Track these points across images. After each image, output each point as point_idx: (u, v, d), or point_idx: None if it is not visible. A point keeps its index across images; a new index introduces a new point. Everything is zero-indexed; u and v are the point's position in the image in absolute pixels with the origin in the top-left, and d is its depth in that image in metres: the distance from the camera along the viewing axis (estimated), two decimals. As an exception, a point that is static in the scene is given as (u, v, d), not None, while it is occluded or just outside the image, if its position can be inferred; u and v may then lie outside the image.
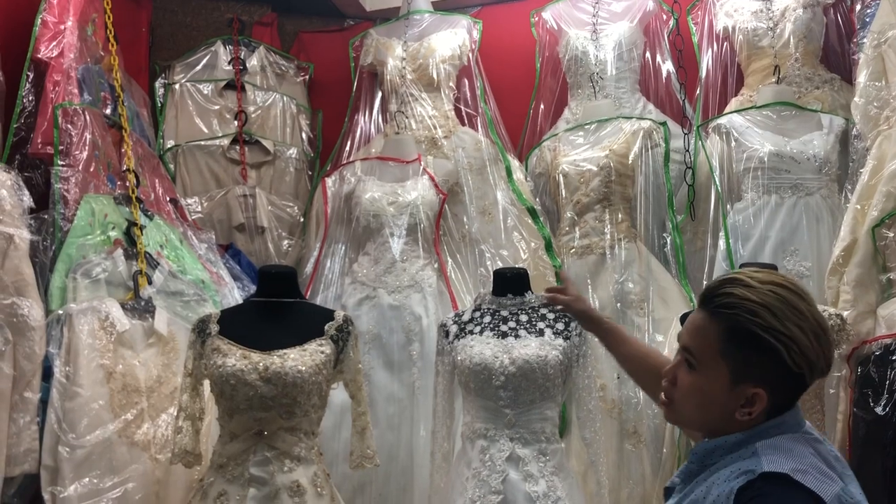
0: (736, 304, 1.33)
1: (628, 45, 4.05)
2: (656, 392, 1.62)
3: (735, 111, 3.63)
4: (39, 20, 3.09)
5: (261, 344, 2.45)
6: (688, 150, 3.68)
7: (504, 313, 2.68)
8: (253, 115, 4.25)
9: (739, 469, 1.30)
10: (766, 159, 3.37)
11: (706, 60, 3.97)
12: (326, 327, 2.54)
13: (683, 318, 2.88)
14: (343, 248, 3.80)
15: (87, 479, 2.50)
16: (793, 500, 1.24)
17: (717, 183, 3.51)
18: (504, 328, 2.63)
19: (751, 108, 3.57)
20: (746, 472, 1.28)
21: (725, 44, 3.98)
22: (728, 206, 3.46)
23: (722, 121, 3.57)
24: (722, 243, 3.36)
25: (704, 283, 3.40)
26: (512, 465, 2.45)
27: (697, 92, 3.93)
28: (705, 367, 1.37)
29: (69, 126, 3.02)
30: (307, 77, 4.63)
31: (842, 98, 3.62)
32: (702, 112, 3.87)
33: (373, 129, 4.33)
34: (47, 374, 2.57)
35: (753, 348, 1.32)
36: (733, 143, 3.49)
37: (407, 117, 4.08)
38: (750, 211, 3.36)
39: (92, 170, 3.07)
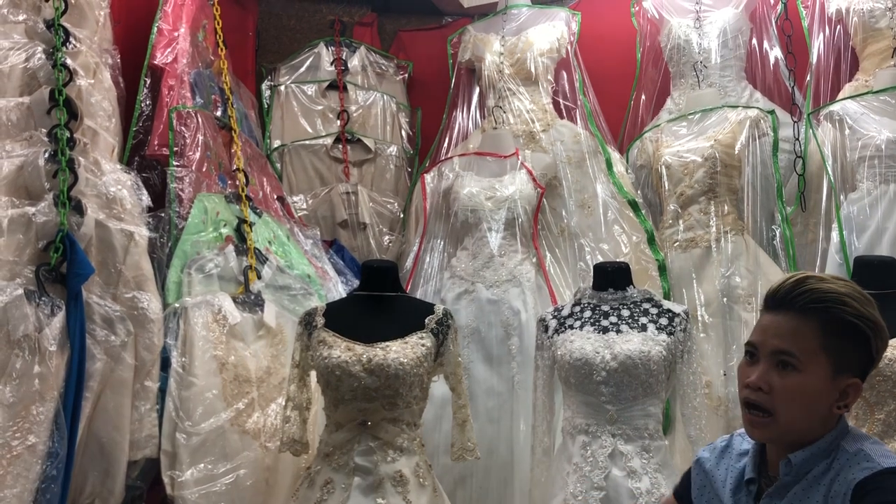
0: (823, 297, 1.37)
1: (733, 32, 3.93)
2: None
3: (849, 97, 3.46)
4: (155, 28, 3.25)
5: (364, 336, 2.50)
6: (798, 139, 3.53)
7: (605, 308, 2.65)
8: (354, 115, 4.34)
9: (850, 466, 1.35)
10: (883, 147, 3.20)
11: (817, 45, 3.81)
12: (427, 321, 2.57)
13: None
14: (442, 243, 3.82)
15: (202, 465, 2.61)
16: None
17: (830, 172, 3.35)
18: (605, 323, 2.60)
19: (866, 93, 3.40)
20: (862, 468, 1.33)
21: (838, 27, 3.80)
22: (841, 197, 3.31)
23: (834, 108, 3.41)
24: (835, 235, 3.22)
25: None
26: (614, 461, 2.41)
27: (808, 78, 3.76)
28: (807, 365, 1.38)
29: (183, 128, 3.16)
30: (406, 75, 4.70)
31: (969, 80, 3.40)
32: (812, 99, 3.71)
33: (471, 125, 4.34)
34: (165, 364, 2.69)
35: (850, 337, 1.37)
36: (847, 131, 3.33)
37: (504, 112, 4.07)
38: (866, 201, 3.20)
39: (204, 170, 3.21)
